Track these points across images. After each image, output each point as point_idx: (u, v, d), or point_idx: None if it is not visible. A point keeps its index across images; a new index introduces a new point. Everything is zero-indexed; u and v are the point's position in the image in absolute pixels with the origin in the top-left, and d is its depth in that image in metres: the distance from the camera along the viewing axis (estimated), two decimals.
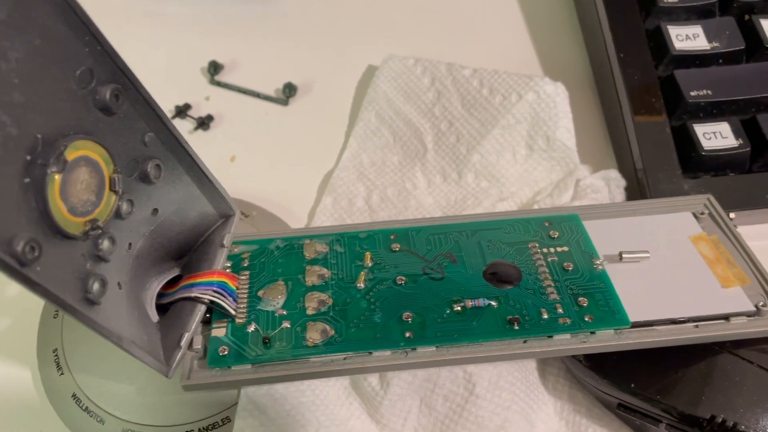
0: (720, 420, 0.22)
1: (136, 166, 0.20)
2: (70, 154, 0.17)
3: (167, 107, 0.33)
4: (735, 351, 0.23)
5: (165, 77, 0.35)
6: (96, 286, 0.18)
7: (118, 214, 0.20)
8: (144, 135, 0.20)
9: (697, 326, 0.23)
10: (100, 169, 0.19)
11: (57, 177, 0.17)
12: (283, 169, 0.32)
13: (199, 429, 0.24)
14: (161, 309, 0.23)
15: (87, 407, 0.24)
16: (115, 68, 0.18)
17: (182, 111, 0.33)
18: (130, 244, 0.21)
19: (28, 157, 0.16)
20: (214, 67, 0.35)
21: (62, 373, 0.25)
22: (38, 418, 0.25)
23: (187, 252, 0.24)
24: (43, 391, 0.25)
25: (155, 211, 0.22)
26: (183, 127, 0.33)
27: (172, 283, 0.24)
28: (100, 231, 0.19)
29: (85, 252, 0.18)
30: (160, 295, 0.23)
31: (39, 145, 0.16)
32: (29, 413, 0.26)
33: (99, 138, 0.18)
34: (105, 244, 0.19)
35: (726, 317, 0.23)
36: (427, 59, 0.33)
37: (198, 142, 0.33)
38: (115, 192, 0.19)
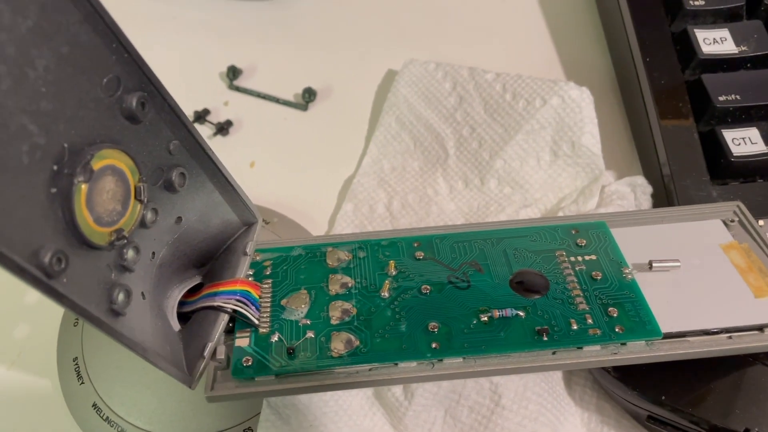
0: None
1: (160, 174, 0.20)
2: (97, 164, 0.17)
3: (186, 112, 0.33)
4: None
5: (184, 82, 0.35)
6: (121, 297, 0.18)
7: (142, 224, 0.19)
8: (169, 143, 0.20)
9: (730, 337, 0.22)
10: (126, 178, 0.18)
11: (83, 187, 0.17)
12: (303, 175, 0.32)
13: None
14: (182, 317, 0.23)
15: (108, 417, 0.24)
16: (141, 76, 0.18)
17: (201, 116, 0.33)
18: (153, 253, 0.21)
19: (55, 167, 0.16)
20: (233, 72, 0.35)
21: (82, 382, 0.24)
22: (59, 428, 0.25)
23: (209, 260, 0.24)
24: (64, 401, 0.25)
25: (179, 219, 0.21)
26: (202, 132, 0.33)
27: (193, 291, 0.23)
28: (125, 241, 0.18)
29: (110, 262, 0.18)
30: (181, 304, 0.23)
31: (65, 155, 0.16)
32: (50, 422, 0.25)
33: (125, 146, 0.18)
34: (130, 253, 0.19)
35: (760, 328, 0.22)
36: (448, 63, 0.32)
37: (217, 148, 0.32)
38: (141, 201, 0.19)
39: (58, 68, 0.16)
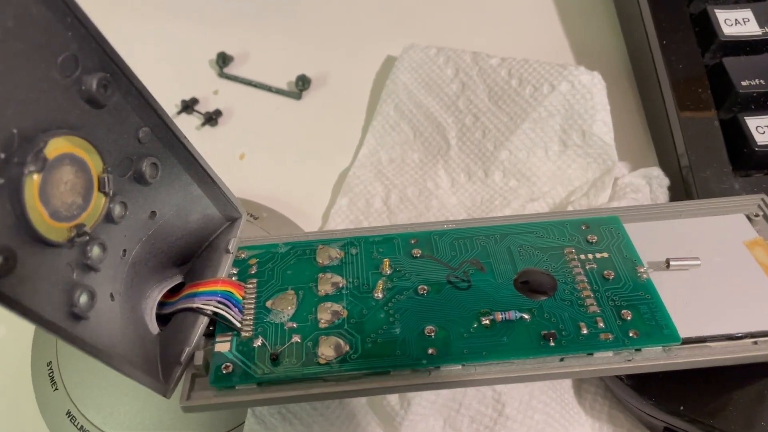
0: None
1: (129, 164, 0.18)
2: (52, 152, 0.15)
3: (173, 101, 0.32)
4: None
5: (171, 70, 0.34)
6: (83, 299, 0.16)
7: (109, 218, 0.18)
8: (138, 130, 0.18)
9: (755, 342, 0.20)
10: (87, 169, 0.17)
11: (36, 177, 0.15)
12: (296, 168, 0.31)
13: None
14: (163, 319, 0.21)
15: (82, 426, 0.23)
16: (102, 55, 0.16)
17: (189, 106, 0.32)
18: (125, 250, 0.19)
19: (3, 155, 0.14)
20: (223, 59, 0.34)
21: (56, 389, 0.23)
22: None
23: (190, 258, 0.23)
24: (37, 407, 0.24)
25: (153, 213, 0.20)
26: (190, 122, 0.32)
27: (175, 291, 0.22)
28: (88, 237, 0.17)
29: (71, 261, 0.17)
30: (161, 304, 0.22)
31: (15, 142, 0.14)
32: (23, 431, 0.24)
33: (86, 133, 0.16)
34: (95, 251, 0.17)
35: None
36: (450, 48, 0.31)
37: (205, 139, 0.31)
38: (105, 193, 0.17)
39: (3, 44, 0.14)
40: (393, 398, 0.23)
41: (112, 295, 0.18)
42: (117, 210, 0.18)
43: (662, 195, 0.27)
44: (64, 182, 0.16)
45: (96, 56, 0.16)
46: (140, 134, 0.18)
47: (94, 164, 0.17)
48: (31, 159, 0.15)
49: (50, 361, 0.24)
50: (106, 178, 0.17)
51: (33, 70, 0.15)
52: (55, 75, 0.15)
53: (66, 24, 0.15)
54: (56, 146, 0.16)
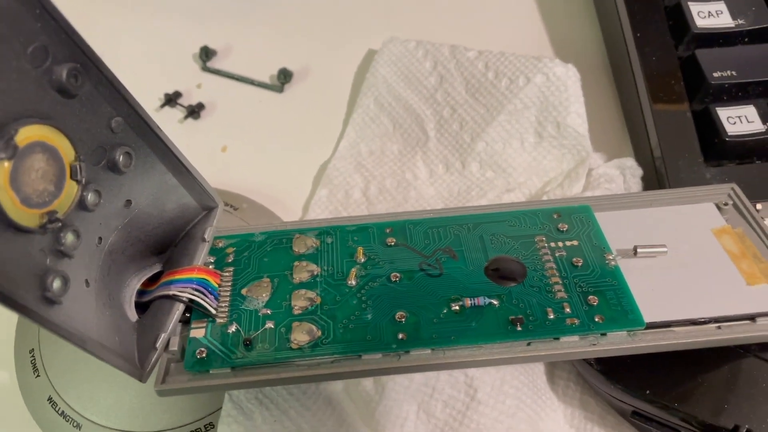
0: (745, 430, 0.20)
1: (103, 153, 0.19)
2: (23, 140, 0.16)
3: (157, 95, 0.32)
4: (761, 355, 0.21)
5: (155, 64, 0.34)
6: (57, 284, 0.17)
7: (83, 206, 0.18)
8: (110, 120, 0.18)
9: (719, 327, 0.21)
10: (59, 157, 0.17)
11: (6, 164, 0.15)
12: (277, 160, 0.31)
13: None
14: (143, 307, 0.22)
15: (63, 411, 0.23)
16: (72, 45, 0.17)
17: (172, 99, 0.32)
18: (100, 238, 0.19)
19: None
20: (206, 53, 0.34)
21: (38, 375, 0.23)
22: (14, 422, 0.24)
23: (168, 246, 0.23)
24: (20, 394, 0.24)
25: (128, 202, 0.20)
26: (173, 115, 0.32)
27: (155, 279, 0.22)
28: (60, 224, 0.17)
29: (44, 247, 0.17)
30: (140, 293, 0.22)
31: None
32: (5, 416, 0.25)
33: (57, 122, 0.17)
34: (68, 238, 0.18)
35: (752, 317, 0.21)
36: (429, 41, 0.31)
37: (188, 132, 0.32)
38: (77, 181, 0.18)
39: None
40: (368, 384, 0.23)
41: (87, 282, 0.19)
42: (90, 198, 0.18)
43: (635, 185, 0.27)
44: (35, 169, 0.16)
45: (66, 47, 0.16)
46: (113, 124, 0.18)
47: (66, 152, 0.17)
48: (1, 146, 0.15)
49: (32, 349, 0.24)
50: (78, 166, 0.18)
51: (2, 60, 0.15)
52: (25, 65, 0.16)
53: (35, 15, 0.16)
54: (27, 134, 0.16)
